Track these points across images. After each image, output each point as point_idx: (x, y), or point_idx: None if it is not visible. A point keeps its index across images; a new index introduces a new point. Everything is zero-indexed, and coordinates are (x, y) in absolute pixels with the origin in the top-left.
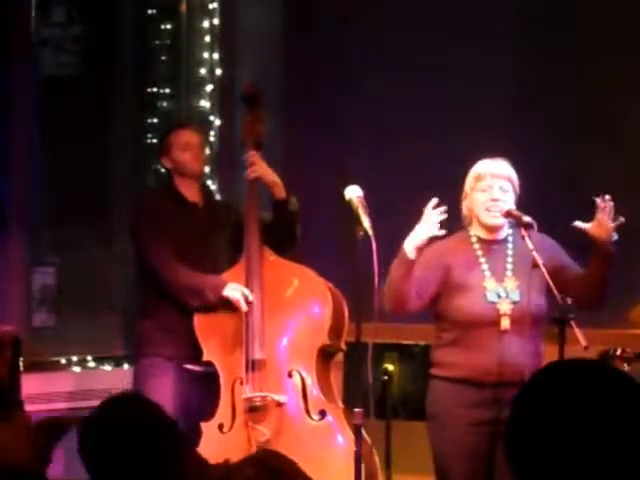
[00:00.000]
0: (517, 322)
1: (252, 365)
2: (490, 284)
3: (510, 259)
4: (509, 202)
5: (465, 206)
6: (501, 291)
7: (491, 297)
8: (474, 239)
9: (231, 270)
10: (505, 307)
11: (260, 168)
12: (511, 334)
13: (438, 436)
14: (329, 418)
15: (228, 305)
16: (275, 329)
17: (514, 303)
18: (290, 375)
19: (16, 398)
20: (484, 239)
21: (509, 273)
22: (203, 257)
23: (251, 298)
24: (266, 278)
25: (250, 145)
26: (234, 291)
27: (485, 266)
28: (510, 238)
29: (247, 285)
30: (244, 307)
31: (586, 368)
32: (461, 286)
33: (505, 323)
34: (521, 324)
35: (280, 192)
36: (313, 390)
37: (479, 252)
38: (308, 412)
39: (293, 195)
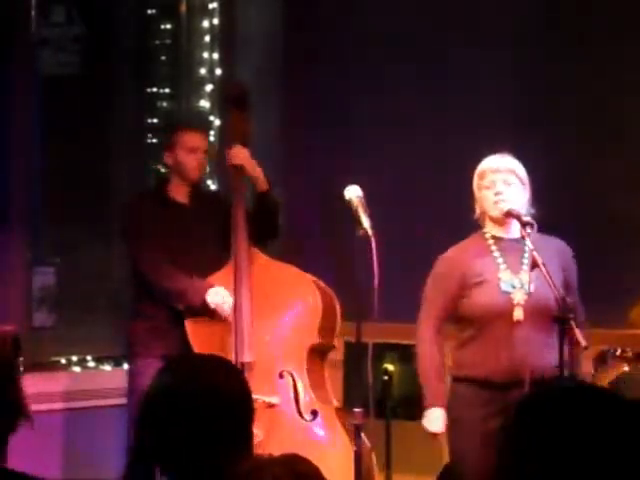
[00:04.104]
0: (532, 314)
1: (241, 368)
2: (505, 275)
3: (527, 254)
4: (516, 194)
5: (477, 206)
6: (516, 282)
7: (505, 287)
8: (488, 235)
9: (220, 272)
10: (519, 297)
11: (244, 157)
12: (526, 327)
13: (457, 441)
14: (321, 418)
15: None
16: (265, 330)
17: (529, 294)
18: (281, 376)
19: (18, 401)
20: (500, 237)
21: (525, 267)
22: (190, 256)
23: (230, 301)
24: (255, 279)
25: (236, 145)
26: (216, 296)
27: (500, 260)
28: (529, 237)
29: (236, 287)
30: (226, 312)
31: (579, 392)
32: (479, 283)
33: (518, 313)
34: (535, 317)
35: (262, 185)
36: (305, 390)
37: (493, 247)
38: (300, 412)
39: (274, 187)
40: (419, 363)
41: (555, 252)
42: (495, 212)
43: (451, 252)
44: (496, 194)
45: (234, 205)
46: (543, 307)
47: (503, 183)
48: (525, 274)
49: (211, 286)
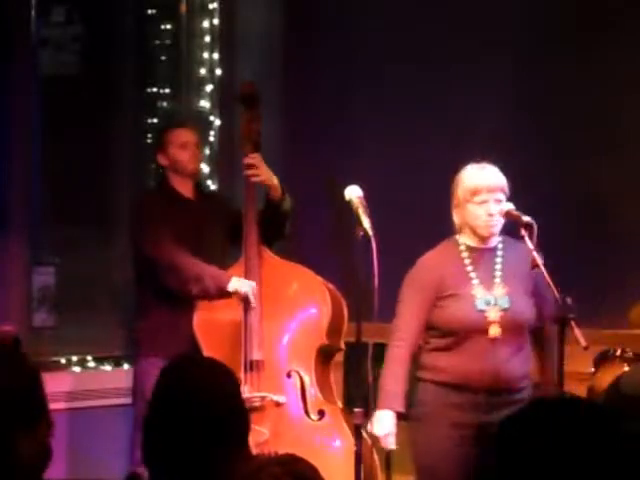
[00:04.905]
0: (507, 329)
1: (250, 365)
2: (479, 292)
3: (499, 266)
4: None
5: (457, 215)
6: (490, 299)
7: (480, 305)
8: (463, 247)
9: (230, 270)
10: (494, 315)
11: (263, 172)
12: (501, 342)
13: (424, 436)
14: (328, 418)
15: (227, 303)
16: (274, 330)
17: (503, 310)
18: (289, 375)
19: (38, 401)
20: (474, 247)
21: (497, 280)
22: (200, 252)
23: (254, 299)
24: (265, 279)
25: (249, 145)
26: (242, 285)
27: (473, 274)
28: (500, 245)
29: None
30: (253, 301)
31: (567, 406)
32: (451, 296)
33: (494, 331)
34: (511, 331)
35: (276, 193)
36: (312, 390)
37: (467, 260)
38: (307, 412)
39: (288, 193)
40: (386, 364)
41: (524, 257)
42: (485, 232)
43: (425, 260)
44: (490, 215)
45: (245, 205)
46: (518, 321)
47: (495, 202)
48: (498, 288)
49: (231, 276)
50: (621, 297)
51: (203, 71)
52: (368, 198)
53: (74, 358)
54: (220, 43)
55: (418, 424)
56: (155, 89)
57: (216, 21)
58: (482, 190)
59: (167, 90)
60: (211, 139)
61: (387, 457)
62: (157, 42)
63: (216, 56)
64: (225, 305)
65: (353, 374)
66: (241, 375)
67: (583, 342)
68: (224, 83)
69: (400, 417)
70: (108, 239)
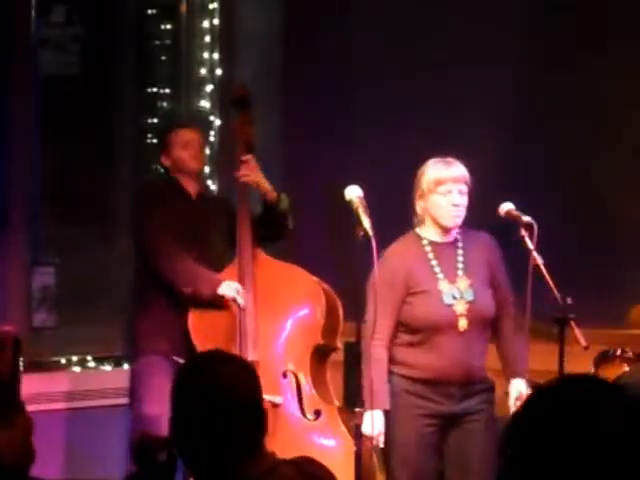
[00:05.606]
0: (474, 321)
1: None
2: (444, 286)
3: (461, 258)
4: (465, 204)
5: (420, 206)
6: (455, 292)
7: (447, 300)
8: (425, 242)
9: (224, 271)
10: (461, 308)
11: (253, 175)
12: (469, 334)
13: (396, 427)
14: (324, 417)
15: (221, 304)
16: (269, 330)
17: (469, 302)
18: (285, 376)
19: (17, 399)
20: (435, 242)
21: (460, 272)
22: (200, 247)
23: (241, 299)
24: (259, 279)
25: (241, 147)
26: (229, 289)
27: (437, 269)
28: (459, 237)
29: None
30: (241, 301)
31: (586, 387)
32: (419, 292)
33: (463, 324)
34: (477, 323)
35: (271, 196)
36: (308, 390)
37: (430, 255)
38: (303, 412)
39: (284, 192)
40: (370, 364)
41: (482, 248)
42: (448, 222)
43: (391, 258)
44: (455, 205)
45: (238, 207)
46: (483, 313)
47: (459, 194)
48: (461, 280)
49: (222, 280)
50: (621, 297)
51: (203, 71)
52: (368, 198)
53: (74, 358)
54: (220, 43)
55: (390, 415)
56: (155, 89)
57: (216, 21)
58: (447, 180)
59: (167, 90)
60: (211, 139)
61: (387, 457)
62: (157, 42)
63: (216, 56)
64: (220, 305)
65: (353, 374)
66: None
67: (583, 342)
68: (224, 83)
69: None
70: (108, 239)
